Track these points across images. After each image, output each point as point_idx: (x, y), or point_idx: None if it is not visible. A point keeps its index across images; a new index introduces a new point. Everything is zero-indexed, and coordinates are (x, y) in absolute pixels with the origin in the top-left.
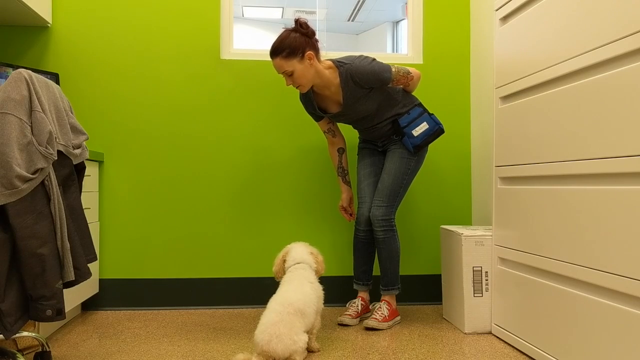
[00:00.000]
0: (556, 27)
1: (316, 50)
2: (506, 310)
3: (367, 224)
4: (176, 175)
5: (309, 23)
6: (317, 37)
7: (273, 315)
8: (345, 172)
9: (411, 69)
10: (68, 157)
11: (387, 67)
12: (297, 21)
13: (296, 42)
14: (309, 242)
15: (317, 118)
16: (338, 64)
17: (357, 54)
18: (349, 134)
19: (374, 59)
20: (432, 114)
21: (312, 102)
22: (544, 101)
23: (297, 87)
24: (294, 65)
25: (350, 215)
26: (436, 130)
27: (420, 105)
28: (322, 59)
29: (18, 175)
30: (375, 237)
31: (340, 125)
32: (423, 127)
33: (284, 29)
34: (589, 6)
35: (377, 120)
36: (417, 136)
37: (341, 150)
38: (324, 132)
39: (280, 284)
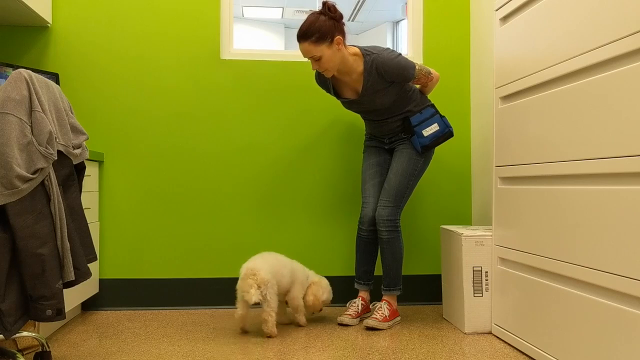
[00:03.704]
0: (556, 27)
1: (344, 34)
2: (506, 310)
3: (370, 224)
4: (176, 175)
5: (337, 6)
6: (344, 20)
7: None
8: None
9: (432, 70)
10: (68, 157)
11: (412, 64)
12: (325, 4)
13: (325, 26)
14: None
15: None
16: (365, 52)
17: (384, 46)
18: (356, 130)
19: (400, 54)
20: (444, 117)
21: (329, 84)
22: (544, 101)
23: (322, 72)
24: (323, 50)
25: None
26: (446, 133)
27: (433, 106)
28: (347, 44)
29: (18, 175)
30: (379, 237)
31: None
32: (434, 128)
33: (310, 12)
34: (589, 6)
35: (388, 115)
36: (426, 136)
37: None
38: None
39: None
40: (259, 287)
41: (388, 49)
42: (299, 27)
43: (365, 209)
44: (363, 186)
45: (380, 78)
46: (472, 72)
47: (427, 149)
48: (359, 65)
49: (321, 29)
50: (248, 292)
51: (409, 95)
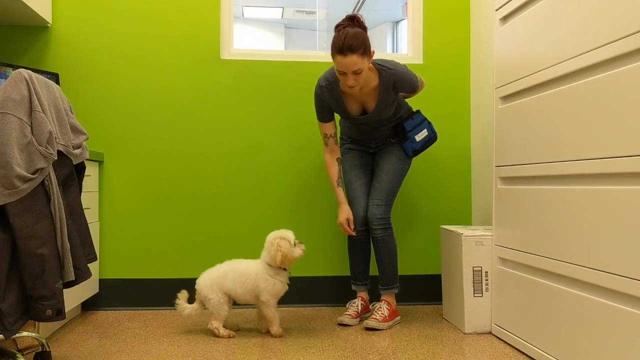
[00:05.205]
0: (556, 27)
1: None
2: (506, 310)
3: (362, 224)
4: (176, 175)
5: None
6: None
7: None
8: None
9: (422, 78)
10: (68, 157)
11: (416, 76)
12: (354, 17)
13: (367, 39)
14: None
15: (326, 119)
16: (380, 67)
17: (389, 58)
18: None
19: (405, 66)
20: (430, 122)
21: (341, 100)
22: (544, 101)
23: (353, 86)
24: (365, 64)
25: (353, 229)
26: (432, 138)
27: (419, 112)
28: None
29: (18, 175)
30: (373, 237)
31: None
32: (424, 133)
33: (341, 25)
34: (589, 6)
35: (383, 124)
36: (418, 142)
37: (339, 160)
38: (326, 136)
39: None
40: (200, 301)
41: (397, 62)
42: (341, 41)
43: (356, 209)
44: (349, 187)
45: (394, 92)
46: (472, 72)
47: (416, 153)
48: (372, 80)
49: (365, 42)
50: (179, 305)
51: (399, 102)
